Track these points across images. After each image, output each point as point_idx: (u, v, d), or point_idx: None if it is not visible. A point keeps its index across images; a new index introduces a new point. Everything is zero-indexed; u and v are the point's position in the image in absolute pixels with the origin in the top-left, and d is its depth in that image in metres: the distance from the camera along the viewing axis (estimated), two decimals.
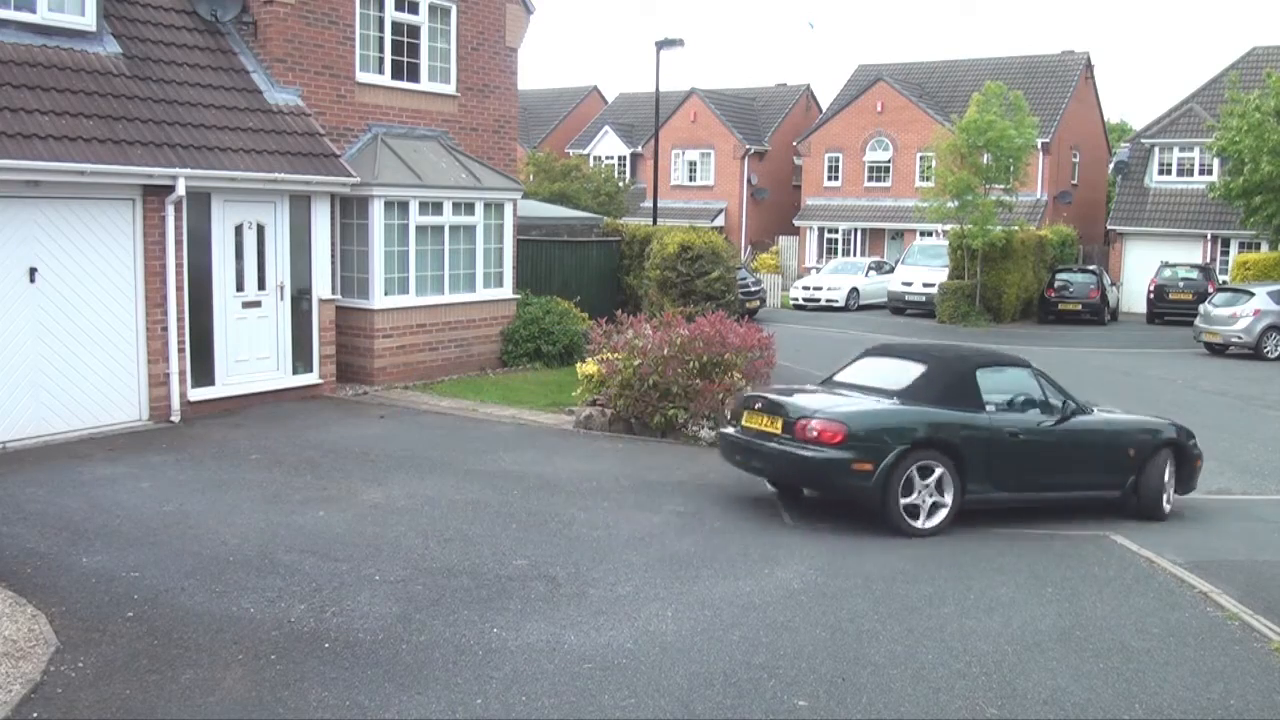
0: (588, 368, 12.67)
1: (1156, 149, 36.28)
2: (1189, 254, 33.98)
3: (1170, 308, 30.64)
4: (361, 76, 14.71)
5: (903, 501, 8.49)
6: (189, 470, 9.68)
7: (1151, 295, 31.45)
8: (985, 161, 28.17)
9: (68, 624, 6.08)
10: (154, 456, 10.15)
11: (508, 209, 16.10)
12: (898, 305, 31.97)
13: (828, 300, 33.00)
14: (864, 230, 41.78)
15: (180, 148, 11.72)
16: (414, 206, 14.51)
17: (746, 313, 24.19)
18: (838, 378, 9.86)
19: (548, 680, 5.57)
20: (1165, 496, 9.81)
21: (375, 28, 14.90)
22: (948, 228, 30.44)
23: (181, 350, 11.78)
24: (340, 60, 14.36)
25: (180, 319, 11.75)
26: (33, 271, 10.61)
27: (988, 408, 8.97)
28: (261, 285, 12.81)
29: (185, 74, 12.60)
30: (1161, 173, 36.21)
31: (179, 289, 11.73)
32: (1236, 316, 23.07)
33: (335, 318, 13.68)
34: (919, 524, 8.55)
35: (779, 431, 8.70)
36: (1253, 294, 23.40)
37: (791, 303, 34.26)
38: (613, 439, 11.76)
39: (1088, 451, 9.53)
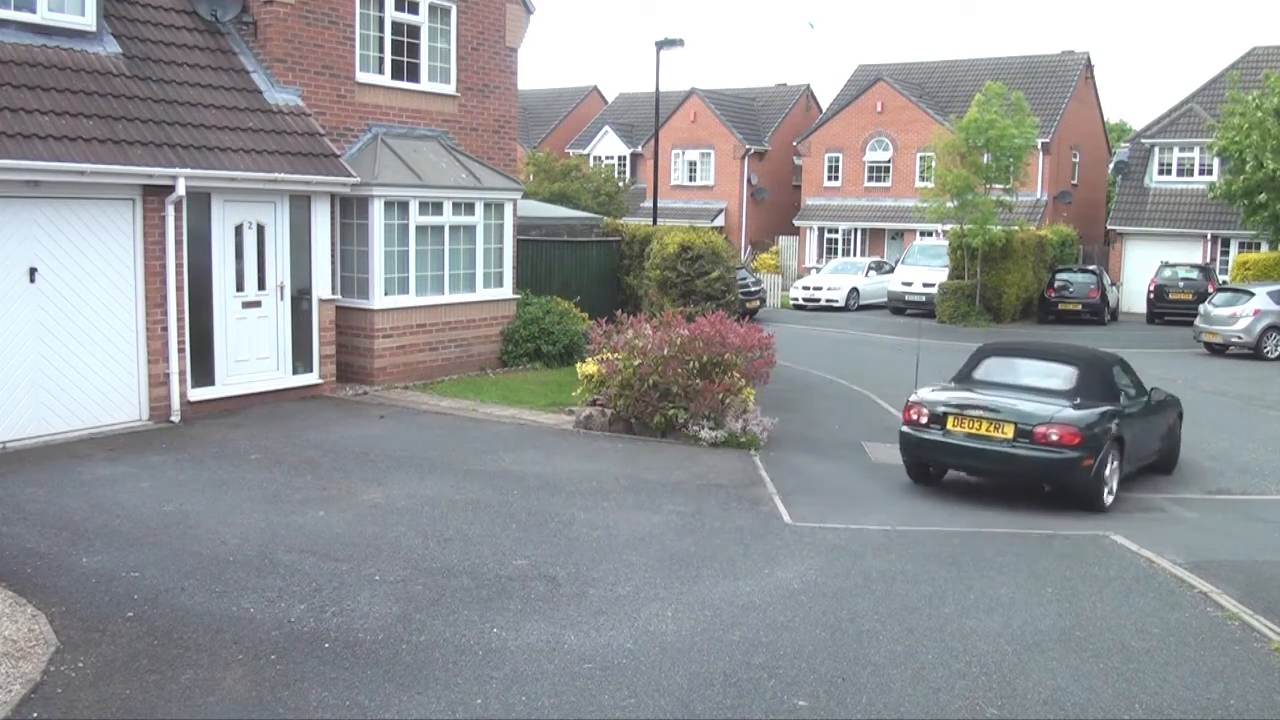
0: (588, 368, 12.67)
1: (1156, 149, 36.28)
2: (1189, 254, 33.98)
3: (1170, 308, 30.63)
4: (361, 76, 14.71)
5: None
6: (189, 470, 9.68)
7: (1151, 295, 31.44)
8: (985, 161, 28.19)
9: (68, 624, 6.08)
10: (154, 456, 10.15)
11: (508, 209, 16.09)
12: (898, 305, 31.97)
13: (828, 300, 33.00)
14: (864, 230, 41.78)
15: (180, 148, 11.72)
16: (414, 206, 14.51)
17: (746, 313, 24.19)
18: (976, 376, 11.03)
19: (548, 680, 5.57)
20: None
21: (375, 28, 14.90)
22: (948, 228, 30.44)
23: (181, 350, 11.78)
24: (340, 60, 14.36)
25: (180, 319, 11.75)
26: (33, 271, 10.61)
27: (1120, 397, 10.65)
28: (261, 285, 12.81)
29: (185, 74, 12.60)
30: (1161, 173, 36.20)
31: (179, 289, 11.73)
32: (1236, 316, 23.06)
33: (335, 318, 13.68)
34: (1108, 502, 10.07)
35: (1011, 436, 9.78)
36: (1253, 294, 23.40)
37: (791, 303, 34.27)
38: (613, 439, 11.76)
39: (1159, 421, 11.48)
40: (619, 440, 11.70)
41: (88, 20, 11.88)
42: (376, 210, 14.09)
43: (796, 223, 43.29)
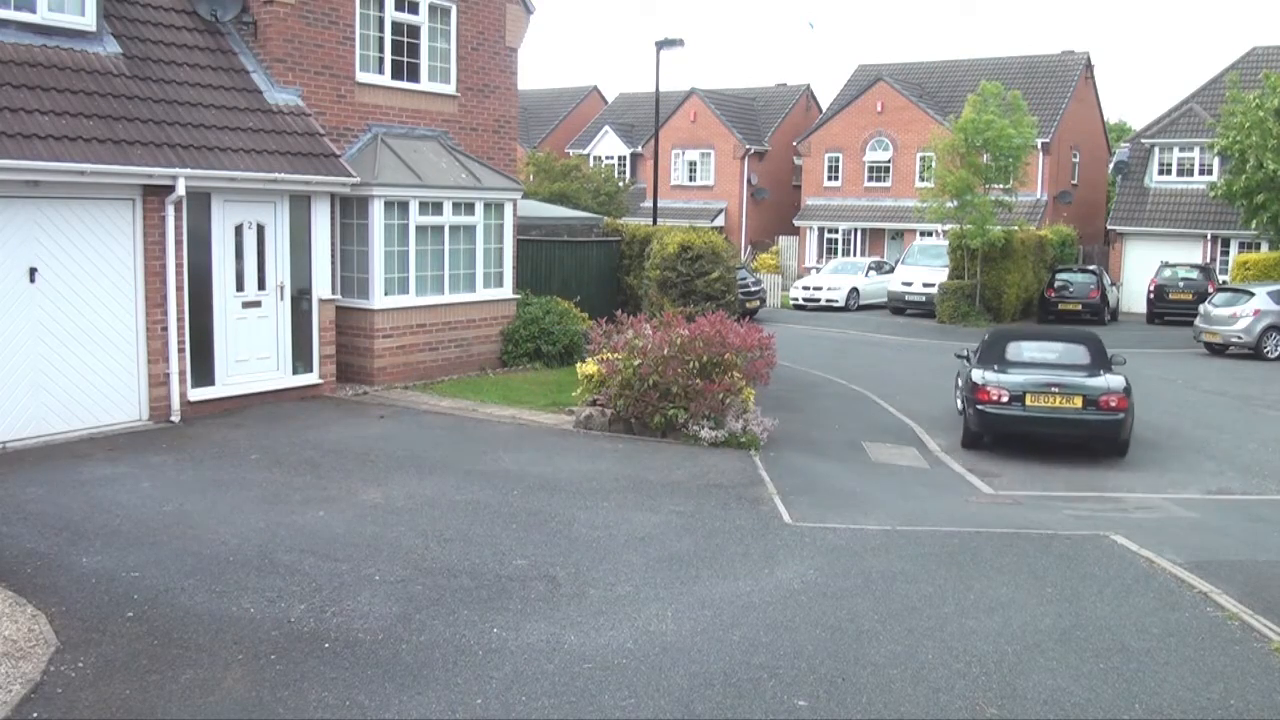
0: (588, 368, 12.66)
1: (1156, 149, 36.27)
2: (1189, 254, 33.98)
3: (1170, 308, 30.64)
4: (361, 76, 14.71)
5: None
6: (189, 470, 9.68)
7: (1151, 295, 31.45)
8: (984, 161, 28.17)
9: (68, 624, 6.08)
10: (154, 456, 10.15)
11: (508, 209, 16.09)
12: (898, 305, 31.97)
13: (828, 300, 32.99)
14: (864, 230, 41.77)
15: (180, 148, 11.72)
16: (414, 206, 14.51)
17: (746, 313, 24.21)
18: (1009, 357, 13.30)
19: (548, 680, 5.57)
20: None
21: (375, 28, 14.90)
22: (947, 228, 30.43)
23: (181, 350, 11.78)
24: (340, 60, 14.36)
25: (180, 319, 11.75)
26: (33, 271, 10.61)
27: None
28: (261, 285, 12.81)
29: (185, 74, 12.60)
30: (1161, 173, 36.20)
31: (179, 289, 11.73)
32: (1236, 316, 23.06)
33: (335, 318, 13.68)
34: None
35: (1080, 406, 12.18)
36: (1253, 294, 23.40)
37: (791, 303, 34.26)
38: (613, 439, 11.76)
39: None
40: (619, 440, 11.70)
41: (88, 20, 11.88)
42: (376, 210, 14.09)
43: (796, 223, 43.28)
